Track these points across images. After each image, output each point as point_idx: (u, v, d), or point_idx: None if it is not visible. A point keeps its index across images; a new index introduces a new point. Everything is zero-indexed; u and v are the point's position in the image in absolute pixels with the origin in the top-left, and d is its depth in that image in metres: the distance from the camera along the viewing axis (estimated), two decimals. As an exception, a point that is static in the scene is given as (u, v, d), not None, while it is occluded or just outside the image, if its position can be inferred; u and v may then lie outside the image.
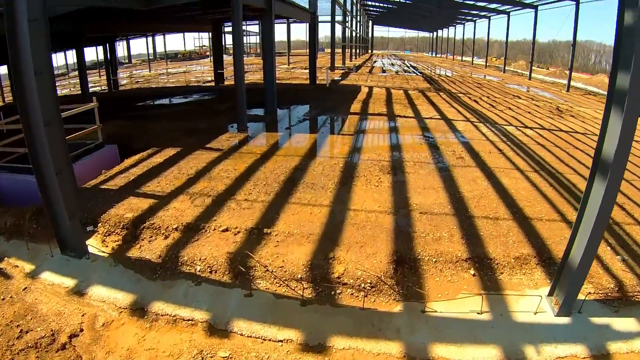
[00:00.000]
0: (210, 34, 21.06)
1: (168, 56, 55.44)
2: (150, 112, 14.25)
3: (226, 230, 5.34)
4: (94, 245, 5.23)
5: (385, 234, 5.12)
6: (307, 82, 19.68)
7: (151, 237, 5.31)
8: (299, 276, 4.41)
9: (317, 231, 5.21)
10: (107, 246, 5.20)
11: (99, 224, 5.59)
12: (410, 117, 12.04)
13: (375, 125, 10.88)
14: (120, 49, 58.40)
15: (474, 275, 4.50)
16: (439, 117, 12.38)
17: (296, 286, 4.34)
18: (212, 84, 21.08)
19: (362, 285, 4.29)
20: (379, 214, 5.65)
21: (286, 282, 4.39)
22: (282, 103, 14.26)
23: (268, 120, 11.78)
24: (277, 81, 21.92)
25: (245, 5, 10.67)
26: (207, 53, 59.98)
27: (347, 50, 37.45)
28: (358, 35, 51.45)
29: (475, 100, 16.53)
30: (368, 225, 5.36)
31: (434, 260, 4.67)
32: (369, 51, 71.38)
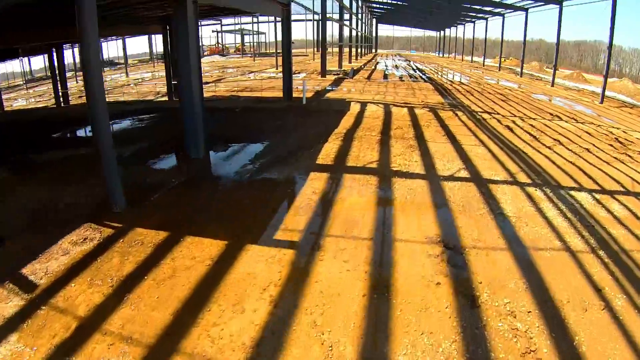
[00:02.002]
0: (164, 35, 15.78)
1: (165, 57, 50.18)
2: (45, 155, 9.00)
3: None
4: None
5: None
6: (282, 95, 14.35)
7: None
8: None
9: None
10: None
11: None
12: (417, 177, 6.70)
13: (350, 207, 5.54)
14: (114, 49, 53.50)
15: None
16: (465, 172, 7.03)
17: None
18: (166, 98, 15.87)
19: None
20: None
21: None
22: (225, 139, 9.05)
23: (174, 185, 6.55)
24: (246, 93, 16.60)
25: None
26: (206, 53, 54.72)
27: (343, 50, 31.80)
28: (360, 34, 45.68)
29: (508, 127, 11.09)
30: None
31: None
32: (373, 51, 65.39)
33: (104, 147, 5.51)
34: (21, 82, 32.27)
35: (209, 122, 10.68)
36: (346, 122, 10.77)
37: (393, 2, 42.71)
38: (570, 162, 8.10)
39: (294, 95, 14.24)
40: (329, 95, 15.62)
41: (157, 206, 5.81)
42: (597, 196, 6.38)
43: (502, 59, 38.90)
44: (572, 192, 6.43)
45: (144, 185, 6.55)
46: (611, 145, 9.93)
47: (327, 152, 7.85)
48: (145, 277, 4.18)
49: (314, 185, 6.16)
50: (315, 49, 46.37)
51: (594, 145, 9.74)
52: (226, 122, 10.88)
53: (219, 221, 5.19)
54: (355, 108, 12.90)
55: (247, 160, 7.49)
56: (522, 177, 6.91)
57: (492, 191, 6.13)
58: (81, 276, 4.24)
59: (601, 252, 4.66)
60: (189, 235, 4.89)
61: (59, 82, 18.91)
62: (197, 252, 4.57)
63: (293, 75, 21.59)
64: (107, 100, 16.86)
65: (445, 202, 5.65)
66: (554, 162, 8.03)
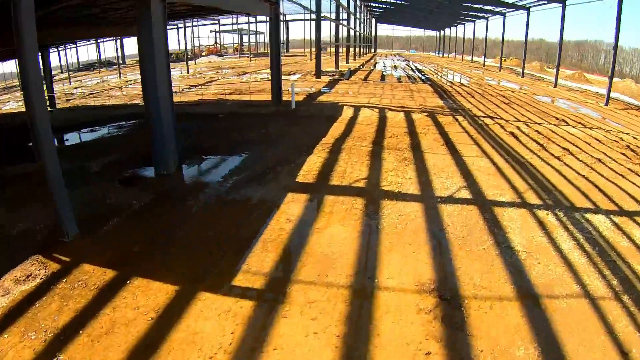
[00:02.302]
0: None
1: (161, 58, 49.15)
2: (16, 169, 8.17)
3: None
4: None
5: None
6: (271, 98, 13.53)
7: None
8: None
9: None
10: None
11: None
12: (411, 198, 5.88)
13: (328, 240, 4.71)
14: (112, 49, 52.69)
15: None
16: (467, 191, 6.20)
17: None
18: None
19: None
20: None
21: None
22: (202, 150, 8.24)
23: (135, 209, 5.74)
24: (236, 96, 15.67)
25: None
26: (204, 53, 53.84)
27: (340, 50, 30.93)
28: (359, 34, 44.82)
29: (512, 133, 10.26)
30: None
31: None
32: (372, 50, 64.51)
33: (49, 169, 4.73)
34: (17, 84, 31.57)
35: (189, 130, 9.90)
36: (336, 129, 9.94)
37: (393, 1, 41.83)
38: (583, 176, 7.28)
39: (285, 98, 13.43)
40: (322, 98, 14.79)
41: (110, 236, 5.01)
42: (616, 219, 5.56)
43: (503, 59, 37.92)
44: (588, 215, 5.61)
45: (103, 208, 5.77)
46: (623, 154, 9.13)
47: (310, 167, 7.00)
48: (81, 332, 3.42)
49: (289, 210, 5.32)
50: (313, 49, 45.50)
51: (605, 154, 8.95)
52: (207, 130, 10.07)
53: (172, 259, 4.37)
54: (347, 113, 12.07)
55: (220, 177, 6.65)
56: (531, 197, 6.08)
57: (498, 217, 5.30)
58: (16, 324, 3.57)
59: (625, 298, 3.86)
60: (136, 277, 4.10)
61: (44, 86, 18.17)
62: (142, 300, 3.77)
63: (288, 77, 20.79)
64: (92, 104, 15.82)
65: (442, 233, 4.81)
66: (564, 177, 7.21)
